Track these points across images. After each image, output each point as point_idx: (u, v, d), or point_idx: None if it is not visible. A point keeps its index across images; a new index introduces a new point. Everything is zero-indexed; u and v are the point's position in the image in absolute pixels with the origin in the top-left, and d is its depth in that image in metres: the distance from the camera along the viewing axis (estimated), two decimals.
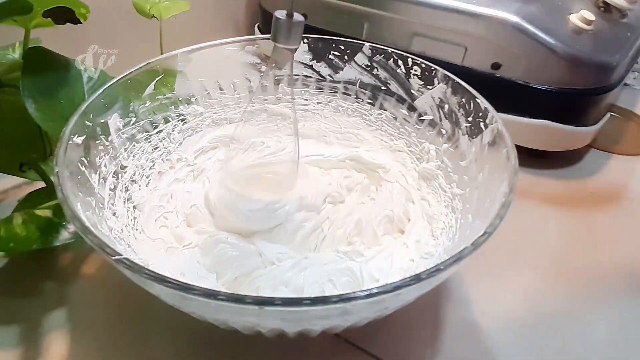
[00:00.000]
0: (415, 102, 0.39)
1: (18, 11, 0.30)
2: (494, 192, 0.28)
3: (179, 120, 0.39)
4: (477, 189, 0.32)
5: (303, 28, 0.30)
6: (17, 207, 0.33)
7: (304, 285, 0.31)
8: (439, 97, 0.37)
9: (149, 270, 0.21)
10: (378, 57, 0.40)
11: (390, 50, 0.39)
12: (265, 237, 0.34)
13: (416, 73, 0.39)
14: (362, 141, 0.42)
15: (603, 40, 0.44)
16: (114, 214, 0.31)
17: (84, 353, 0.30)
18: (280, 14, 0.29)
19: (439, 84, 0.37)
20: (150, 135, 0.37)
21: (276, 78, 0.43)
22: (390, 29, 0.49)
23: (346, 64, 0.41)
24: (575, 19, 0.43)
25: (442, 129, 0.37)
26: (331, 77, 0.42)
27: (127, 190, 0.34)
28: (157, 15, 0.43)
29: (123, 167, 0.34)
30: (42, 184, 0.36)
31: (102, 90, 0.32)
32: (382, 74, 0.40)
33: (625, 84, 0.58)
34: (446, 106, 0.37)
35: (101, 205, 0.30)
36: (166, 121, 0.39)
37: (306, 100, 0.43)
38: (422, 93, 0.38)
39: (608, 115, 0.48)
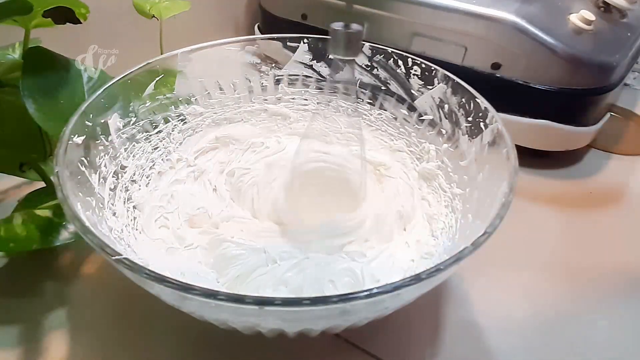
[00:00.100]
0: (415, 102, 0.39)
1: (18, 11, 0.30)
2: (494, 192, 0.28)
3: (179, 120, 0.40)
4: (477, 189, 0.32)
5: (361, 38, 0.29)
6: (17, 207, 0.33)
7: (304, 285, 0.31)
8: (439, 97, 0.37)
9: (149, 270, 0.21)
10: (378, 57, 0.40)
11: (390, 50, 0.39)
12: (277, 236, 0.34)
13: (416, 73, 0.39)
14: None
15: (603, 40, 0.44)
16: (114, 214, 0.31)
17: (84, 353, 0.30)
18: (338, 25, 0.28)
19: (439, 84, 0.37)
20: (150, 135, 0.37)
21: (276, 78, 0.43)
22: (390, 29, 0.49)
23: (346, 63, 0.41)
24: (575, 19, 0.43)
25: (442, 129, 0.37)
26: (331, 77, 0.42)
27: (127, 190, 0.34)
28: (157, 15, 0.43)
29: (123, 167, 0.34)
30: (42, 184, 0.36)
31: (102, 90, 0.32)
32: (382, 74, 0.41)
33: (625, 84, 0.58)
34: (446, 106, 0.37)
35: (101, 205, 0.30)
36: (166, 121, 0.39)
37: (306, 100, 0.43)
38: (422, 93, 0.38)
39: (608, 115, 0.48)
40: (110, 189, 0.32)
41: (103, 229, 0.28)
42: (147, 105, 0.37)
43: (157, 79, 0.37)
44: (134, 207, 0.34)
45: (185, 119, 0.40)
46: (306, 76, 0.43)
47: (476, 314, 0.33)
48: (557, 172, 0.47)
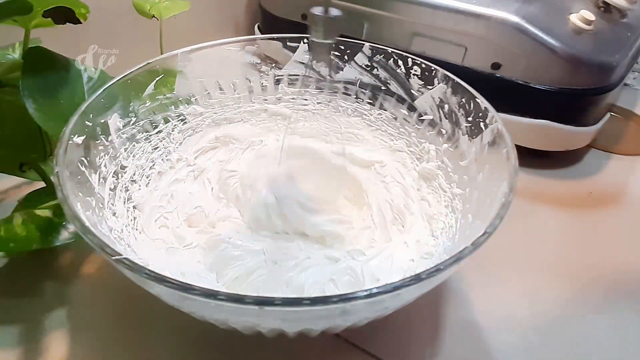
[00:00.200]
0: (415, 102, 0.39)
1: (18, 11, 0.30)
2: (494, 192, 0.28)
3: (179, 120, 0.40)
4: (477, 189, 0.32)
5: (341, 23, 0.30)
6: (17, 207, 0.33)
7: (305, 285, 0.31)
8: (439, 97, 0.37)
9: (149, 270, 0.21)
10: (378, 57, 0.40)
11: (390, 50, 0.39)
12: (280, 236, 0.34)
13: (416, 73, 0.39)
14: (362, 141, 0.42)
15: (603, 40, 0.44)
16: (114, 214, 0.31)
17: (84, 353, 0.30)
18: (318, 10, 0.29)
19: (439, 84, 0.37)
20: (150, 135, 0.37)
21: (276, 78, 0.43)
22: (390, 29, 0.49)
23: (346, 64, 0.41)
24: (575, 19, 0.43)
25: (442, 129, 0.37)
26: (331, 77, 0.42)
27: (127, 190, 0.34)
28: (157, 15, 0.43)
29: (123, 167, 0.34)
30: (42, 184, 0.36)
31: (102, 90, 0.32)
32: (382, 74, 0.41)
33: (625, 84, 0.58)
34: (446, 106, 0.37)
35: (101, 205, 0.30)
36: (166, 121, 0.39)
37: (306, 100, 0.43)
38: (422, 93, 0.38)
39: (608, 115, 0.48)
40: (110, 189, 0.32)
41: (103, 229, 0.28)
42: (147, 105, 0.37)
43: (157, 79, 0.37)
44: (134, 207, 0.34)
45: (185, 119, 0.40)
46: (306, 76, 0.43)
47: (476, 314, 0.33)
48: (557, 172, 0.47)
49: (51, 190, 0.34)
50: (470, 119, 0.34)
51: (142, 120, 0.36)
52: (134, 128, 0.36)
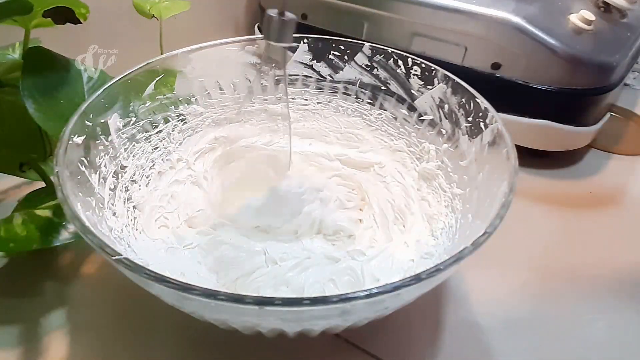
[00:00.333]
0: (415, 102, 0.39)
1: (18, 11, 0.30)
2: (494, 192, 0.28)
3: (179, 120, 0.39)
4: (477, 189, 0.32)
5: (295, 26, 0.30)
6: (17, 207, 0.33)
7: (305, 285, 0.31)
8: (439, 97, 0.37)
9: (149, 270, 0.21)
10: (378, 57, 0.40)
11: (390, 50, 0.39)
12: (281, 235, 0.34)
13: (416, 73, 0.39)
14: (362, 141, 0.42)
15: (603, 40, 0.44)
16: (114, 214, 0.31)
17: (84, 353, 0.30)
18: (273, 12, 0.29)
19: (439, 84, 0.37)
20: (150, 135, 0.37)
21: (276, 78, 0.43)
22: (390, 29, 0.49)
23: (346, 64, 0.41)
24: (575, 19, 0.43)
25: (442, 129, 0.37)
26: (331, 77, 0.42)
27: (127, 190, 0.34)
28: (157, 15, 0.43)
29: (123, 167, 0.34)
30: (42, 184, 0.36)
31: (102, 90, 0.32)
32: (382, 74, 0.40)
33: (625, 84, 0.58)
34: (446, 106, 0.37)
35: (101, 205, 0.30)
36: (166, 121, 0.39)
37: (306, 100, 0.43)
38: (422, 93, 0.38)
39: (608, 115, 0.48)
40: (110, 189, 0.32)
41: (103, 229, 0.28)
42: (147, 105, 0.37)
43: (157, 79, 0.37)
44: (134, 207, 0.34)
45: (185, 119, 0.40)
46: (306, 76, 0.43)
47: (476, 314, 0.33)
48: (557, 172, 0.47)
49: (51, 190, 0.34)
50: (470, 119, 0.34)
51: (142, 120, 0.36)
52: (134, 128, 0.36)
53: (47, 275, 0.34)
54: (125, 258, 0.22)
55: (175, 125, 0.39)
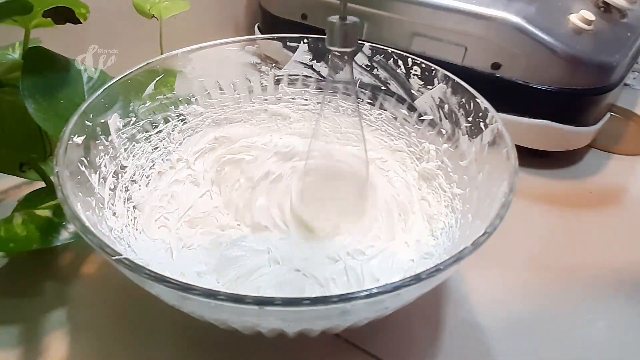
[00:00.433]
0: (415, 102, 0.39)
1: (18, 11, 0.30)
2: (494, 192, 0.28)
3: (179, 120, 0.39)
4: (477, 189, 0.32)
5: (359, 29, 0.29)
6: (17, 207, 0.33)
7: (305, 284, 0.31)
8: (439, 97, 0.37)
9: (149, 270, 0.21)
10: (378, 57, 0.40)
11: (390, 50, 0.39)
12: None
13: (416, 73, 0.39)
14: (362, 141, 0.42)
15: (603, 40, 0.44)
16: (114, 214, 0.31)
17: (84, 353, 0.30)
18: (334, 18, 0.29)
19: (439, 84, 0.37)
20: (150, 135, 0.37)
21: (276, 78, 0.43)
22: (390, 29, 0.49)
23: (346, 64, 0.41)
24: (575, 19, 0.43)
25: (442, 129, 0.37)
26: (331, 77, 0.42)
27: (127, 190, 0.34)
28: (157, 15, 0.43)
29: (123, 167, 0.34)
30: (42, 184, 0.36)
31: (102, 90, 0.32)
32: (382, 74, 0.40)
33: (625, 84, 0.58)
34: (446, 106, 0.37)
35: (101, 205, 0.30)
36: (166, 121, 0.39)
37: (306, 100, 0.43)
38: (422, 93, 0.38)
39: (608, 115, 0.48)
40: (110, 189, 0.32)
41: (103, 229, 0.28)
42: (147, 105, 0.37)
43: (157, 79, 0.37)
44: (134, 207, 0.34)
45: (185, 119, 0.40)
46: (306, 76, 0.43)
47: (476, 314, 0.33)
48: (557, 172, 0.47)
49: (51, 190, 0.34)
50: (470, 119, 0.34)
51: (142, 120, 0.36)
52: (134, 128, 0.36)
53: (47, 275, 0.34)
54: (125, 258, 0.22)
55: (175, 125, 0.39)
